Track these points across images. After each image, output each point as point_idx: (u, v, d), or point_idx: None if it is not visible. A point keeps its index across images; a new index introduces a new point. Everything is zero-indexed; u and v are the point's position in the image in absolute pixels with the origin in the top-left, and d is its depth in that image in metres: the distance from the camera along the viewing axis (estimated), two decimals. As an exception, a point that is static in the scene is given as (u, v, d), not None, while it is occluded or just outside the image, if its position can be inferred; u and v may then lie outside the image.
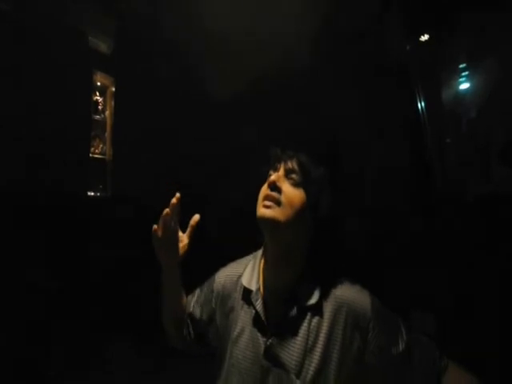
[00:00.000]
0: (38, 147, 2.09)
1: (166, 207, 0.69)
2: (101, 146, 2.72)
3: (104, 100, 2.74)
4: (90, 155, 2.57)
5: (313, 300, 0.59)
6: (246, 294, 0.66)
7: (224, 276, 0.74)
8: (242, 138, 2.36)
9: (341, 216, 0.71)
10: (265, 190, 0.63)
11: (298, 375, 0.54)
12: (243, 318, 0.65)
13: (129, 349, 2.02)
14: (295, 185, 0.62)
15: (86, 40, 2.42)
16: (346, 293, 0.60)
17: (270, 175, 0.65)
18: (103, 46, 2.52)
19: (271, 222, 0.59)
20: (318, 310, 0.59)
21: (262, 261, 0.69)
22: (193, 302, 0.78)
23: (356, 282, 0.63)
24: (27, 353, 1.76)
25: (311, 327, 0.57)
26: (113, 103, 2.71)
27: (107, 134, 2.74)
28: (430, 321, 1.24)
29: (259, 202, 0.64)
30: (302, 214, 0.60)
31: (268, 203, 0.60)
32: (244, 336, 0.63)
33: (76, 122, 2.37)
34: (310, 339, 0.57)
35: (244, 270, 0.70)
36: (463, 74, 1.48)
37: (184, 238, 0.75)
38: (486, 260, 1.17)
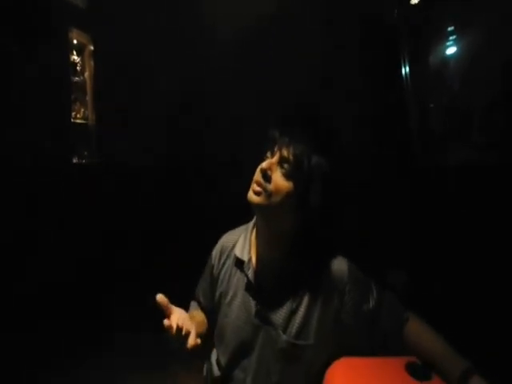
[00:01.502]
0: (13, 114, 1.99)
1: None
2: (82, 110, 2.61)
3: (82, 60, 2.58)
4: (72, 120, 2.48)
5: (298, 271, 0.67)
6: (239, 263, 0.74)
7: (220, 247, 0.81)
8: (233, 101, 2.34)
9: (332, 205, 0.70)
10: (257, 173, 0.66)
11: (284, 331, 0.65)
12: (236, 283, 0.74)
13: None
14: (286, 175, 0.63)
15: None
16: (328, 263, 0.68)
17: (267, 158, 0.67)
18: (79, 0, 2.32)
19: (257, 207, 0.65)
20: (302, 278, 0.67)
21: (254, 233, 0.75)
22: (203, 297, 0.84)
23: (337, 253, 0.71)
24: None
25: (296, 292, 0.66)
26: (92, 63, 2.55)
27: (88, 98, 2.62)
28: (403, 278, 1.37)
29: (252, 183, 0.67)
30: (288, 202, 0.64)
31: (256, 189, 0.64)
32: (237, 299, 0.72)
33: (54, 85, 2.24)
34: (295, 302, 0.66)
35: (237, 240, 0.78)
36: (451, 37, 1.47)
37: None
38: (464, 225, 1.26)
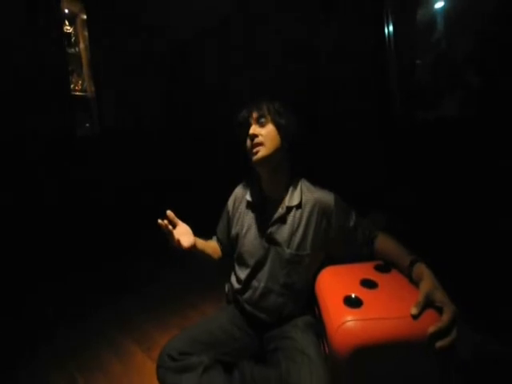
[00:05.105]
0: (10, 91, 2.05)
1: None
2: (80, 82, 2.67)
3: (75, 30, 2.59)
4: (72, 93, 2.55)
5: (295, 202, 0.90)
6: (250, 205, 0.98)
7: (233, 198, 1.05)
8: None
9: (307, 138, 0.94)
10: (249, 143, 0.89)
11: (287, 246, 0.89)
12: (249, 221, 0.97)
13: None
14: (265, 124, 0.88)
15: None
16: (318, 195, 0.91)
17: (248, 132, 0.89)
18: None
19: (263, 160, 0.86)
20: (299, 207, 0.90)
21: (258, 181, 0.98)
22: (220, 234, 1.08)
23: (325, 186, 0.94)
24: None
25: (295, 218, 0.89)
26: (86, 33, 2.57)
27: (85, 69, 2.67)
28: (384, 217, 1.59)
29: (249, 154, 0.89)
30: (277, 140, 0.87)
31: (254, 149, 0.87)
32: (250, 232, 0.96)
33: (49, 58, 2.28)
34: (295, 225, 0.89)
35: (245, 189, 1.01)
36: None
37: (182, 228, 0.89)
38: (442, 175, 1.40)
